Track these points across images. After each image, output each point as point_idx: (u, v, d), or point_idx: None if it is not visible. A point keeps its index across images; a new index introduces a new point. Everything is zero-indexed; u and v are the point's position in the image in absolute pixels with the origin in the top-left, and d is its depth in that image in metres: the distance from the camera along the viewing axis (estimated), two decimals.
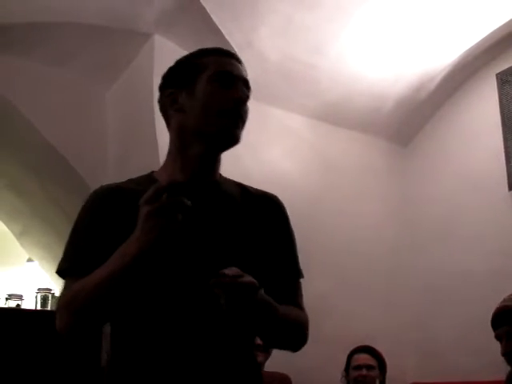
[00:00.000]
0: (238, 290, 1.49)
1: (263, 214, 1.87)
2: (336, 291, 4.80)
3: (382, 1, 4.29)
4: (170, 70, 1.90)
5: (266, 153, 4.83)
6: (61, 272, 1.70)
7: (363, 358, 4.17)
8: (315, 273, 4.74)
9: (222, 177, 1.96)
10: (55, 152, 4.47)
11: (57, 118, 4.43)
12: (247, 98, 1.81)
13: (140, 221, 1.48)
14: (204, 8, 4.13)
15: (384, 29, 4.53)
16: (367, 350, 4.21)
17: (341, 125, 5.29)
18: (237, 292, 1.49)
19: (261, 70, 4.66)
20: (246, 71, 1.87)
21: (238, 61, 1.85)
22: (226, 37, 4.35)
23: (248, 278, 1.52)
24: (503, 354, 2.77)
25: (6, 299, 5.78)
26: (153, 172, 1.87)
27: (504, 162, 4.70)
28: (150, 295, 1.62)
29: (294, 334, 1.83)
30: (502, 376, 2.87)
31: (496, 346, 2.89)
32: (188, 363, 1.60)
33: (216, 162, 1.94)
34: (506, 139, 4.73)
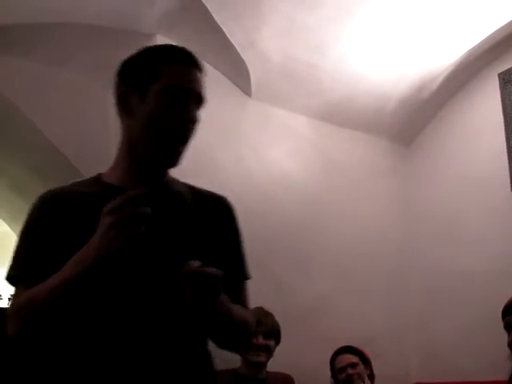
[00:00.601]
0: (206, 279, 1.49)
1: (212, 214, 1.84)
2: (338, 292, 4.80)
3: (384, 1, 4.29)
4: (125, 65, 1.83)
5: (269, 153, 4.83)
6: (10, 278, 1.67)
7: (345, 359, 4.16)
8: (317, 273, 4.76)
9: (171, 177, 1.87)
10: (57, 152, 4.47)
11: (58, 117, 4.43)
12: (197, 120, 1.74)
13: (101, 230, 1.44)
14: (206, 8, 4.13)
15: (386, 29, 4.53)
16: (346, 349, 4.21)
17: (343, 125, 5.29)
18: (204, 281, 1.48)
19: (263, 71, 4.66)
20: (203, 79, 1.80)
21: (199, 68, 1.78)
22: (228, 37, 4.35)
23: (213, 269, 1.51)
24: (509, 345, 2.77)
25: (9, 299, 5.80)
26: (100, 174, 1.84)
27: (507, 161, 4.70)
28: (104, 298, 1.59)
29: (240, 333, 1.80)
30: (504, 376, 2.87)
31: (498, 347, 2.90)
32: (143, 368, 1.59)
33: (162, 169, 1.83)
34: (508, 139, 4.73)
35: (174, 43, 4.46)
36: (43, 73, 4.42)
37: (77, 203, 1.68)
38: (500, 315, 2.94)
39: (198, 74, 1.77)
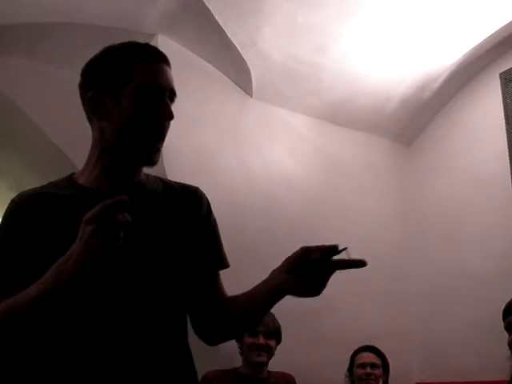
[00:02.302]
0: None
1: (185, 207, 1.80)
2: (339, 291, 4.77)
3: (385, 1, 4.29)
4: (92, 66, 1.79)
5: (270, 152, 4.83)
6: None
7: (367, 357, 4.17)
8: None
9: (145, 175, 1.82)
10: (59, 152, 4.47)
11: (61, 118, 4.43)
12: (172, 115, 1.70)
13: (82, 239, 1.41)
14: (207, 8, 4.12)
15: (388, 29, 4.53)
16: (371, 349, 4.22)
17: (344, 125, 5.29)
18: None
19: (264, 70, 4.66)
20: (170, 73, 1.76)
21: (168, 63, 1.76)
22: (229, 36, 4.35)
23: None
24: (510, 345, 2.77)
25: None
26: (73, 174, 1.80)
27: (508, 161, 4.70)
28: (84, 302, 1.58)
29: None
30: (506, 376, 2.87)
31: (499, 347, 2.90)
32: (122, 370, 1.57)
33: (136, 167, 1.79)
34: (509, 138, 4.73)
35: (175, 43, 4.49)
36: (44, 73, 4.42)
37: (51, 207, 1.65)
38: (501, 315, 2.94)
39: (168, 69, 1.74)
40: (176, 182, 1.87)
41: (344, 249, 1.55)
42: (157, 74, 1.70)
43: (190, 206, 1.81)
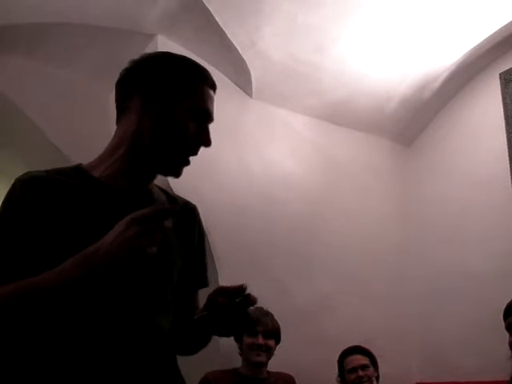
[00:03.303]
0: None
1: (185, 223, 1.85)
2: (339, 291, 4.80)
3: (385, 1, 4.29)
4: (150, 63, 1.79)
5: (270, 152, 4.83)
6: None
7: (356, 359, 4.16)
8: (318, 273, 4.77)
9: (152, 184, 1.84)
10: (59, 152, 4.47)
11: (60, 118, 4.43)
12: (211, 143, 1.86)
13: (122, 235, 1.40)
14: (207, 8, 4.12)
15: (388, 29, 4.53)
16: (356, 350, 4.20)
17: (344, 125, 5.29)
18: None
19: (264, 70, 4.66)
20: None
21: (215, 91, 1.86)
22: (229, 37, 4.35)
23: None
24: (511, 345, 2.78)
25: None
26: (81, 165, 1.78)
27: (508, 161, 4.70)
28: (84, 301, 1.55)
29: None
30: (506, 376, 2.88)
31: (499, 347, 2.90)
32: (116, 369, 1.57)
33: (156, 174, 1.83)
34: (509, 139, 4.73)
35: (175, 43, 4.49)
36: (44, 73, 4.42)
37: (61, 193, 1.63)
38: (501, 315, 2.95)
39: (214, 95, 1.85)
40: (176, 196, 1.93)
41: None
42: (210, 100, 1.82)
43: (188, 222, 1.87)
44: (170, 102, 1.72)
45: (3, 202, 1.66)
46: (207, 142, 1.81)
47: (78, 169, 1.75)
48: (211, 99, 1.82)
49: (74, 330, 1.58)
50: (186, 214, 1.87)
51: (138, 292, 1.63)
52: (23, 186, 1.67)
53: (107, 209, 1.64)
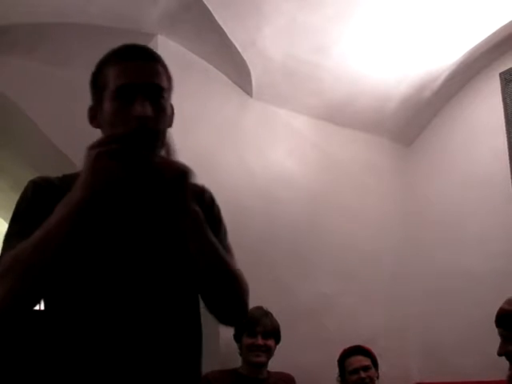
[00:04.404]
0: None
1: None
2: (339, 291, 4.80)
3: (385, 2, 4.29)
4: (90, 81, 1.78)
5: (270, 152, 4.83)
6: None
7: (358, 360, 4.14)
8: (318, 273, 4.77)
9: None
10: (59, 152, 4.47)
11: (60, 118, 4.43)
12: (149, 113, 1.62)
13: (87, 163, 1.46)
14: (207, 8, 4.12)
15: (388, 29, 4.53)
16: (359, 350, 4.19)
17: (344, 124, 5.29)
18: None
19: (264, 70, 4.66)
20: (156, 68, 1.72)
21: (147, 57, 1.73)
22: (229, 36, 4.34)
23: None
24: (498, 355, 2.80)
25: None
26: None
27: (508, 161, 4.70)
28: (92, 290, 1.60)
29: (231, 284, 1.72)
30: (505, 376, 2.87)
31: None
32: (132, 363, 1.58)
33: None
34: (509, 139, 4.73)
35: (175, 43, 4.49)
36: (44, 73, 4.42)
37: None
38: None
39: (149, 65, 1.71)
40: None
41: None
42: (130, 72, 1.67)
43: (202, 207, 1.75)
44: (99, 103, 1.72)
45: (17, 203, 1.71)
46: (139, 113, 1.60)
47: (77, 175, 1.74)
48: (131, 70, 1.67)
49: (78, 325, 1.60)
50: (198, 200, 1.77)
51: (135, 273, 1.64)
52: (34, 188, 1.72)
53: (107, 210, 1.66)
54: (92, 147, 1.47)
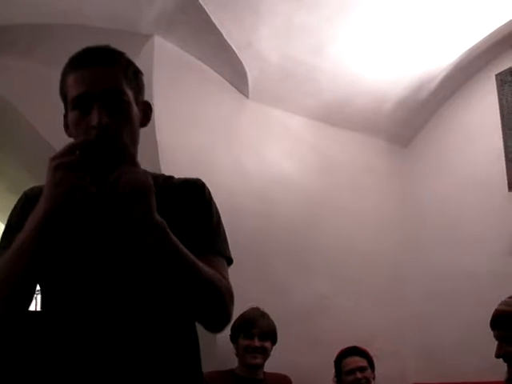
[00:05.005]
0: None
1: (183, 199, 1.77)
2: (336, 292, 4.80)
3: (382, 2, 4.29)
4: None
5: (266, 153, 4.83)
6: None
7: (354, 361, 4.14)
8: (315, 274, 4.77)
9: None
10: (55, 153, 4.47)
11: (58, 119, 4.41)
12: (107, 120, 1.59)
13: (48, 176, 1.47)
14: (204, 9, 4.12)
15: (384, 30, 4.53)
16: (355, 351, 4.19)
17: (341, 125, 5.29)
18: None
19: (260, 71, 4.66)
20: (118, 67, 1.70)
21: (102, 62, 1.68)
22: (226, 37, 4.35)
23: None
24: (496, 357, 2.80)
25: None
26: None
27: (504, 162, 4.70)
28: (73, 291, 1.62)
29: (206, 292, 1.63)
30: (502, 377, 2.88)
31: (495, 348, 2.90)
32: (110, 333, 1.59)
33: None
34: (505, 139, 4.73)
35: (171, 44, 4.49)
36: (42, 74, 4.40)
37: None
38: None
39: (105, 70, 1.67)
40: (180, 178, 1.88)
41: None
42: (85, 81, 1.64)
43: (187, 198, 1.77)
44: (66, 108, 1.71)
45: (9, 214, 1.79)
46: (92, 124, 1.58)
47: None
48: (84, 79, 1.64)
49: (68, 326, 1.62)
50: (186, 191, 1.79)
51: (118, 280, 1.64)
52: (23, 200, 1.77)
53: (90, 217, 1.69)
54: (53, 158, 1.47)
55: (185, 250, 1.58)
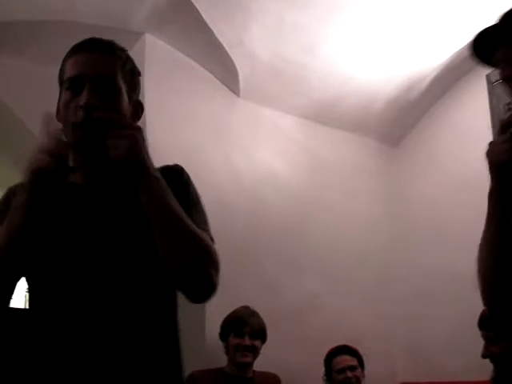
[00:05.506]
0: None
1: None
2: (325, 291, 4.81)
3: (373, 2, 4.30)
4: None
5: (257, 152, 4.83)
6: None
7: (344, 360, 4.16)
8: (304, 273, 4.77)
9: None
10: None
11: None
12: (88, 102, 1.63)
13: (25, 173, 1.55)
14: (195, 7, 4.12)
15: (375, 30, 4.54)
16: (345, 350, 4.20)
17: (331, 125, 5.30)
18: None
19: (251, 70, 4.66)
20: (117, 58, 1.75)
21: (101, 49, 1.73)
22: (217, 36, 4.35)
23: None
24: (482, 357, 2.82)
25: None
26: None
27: None
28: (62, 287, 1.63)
29: (194, 248, 1.60)
30: (489, 377, 2.90)
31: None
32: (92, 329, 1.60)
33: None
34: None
35: (162, 42, 4.48)
36: (33, 71, 4.40)
37: None
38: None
39: (99, 56, 1.71)
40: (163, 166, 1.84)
41: None
42: (80, 64, 1.69)
43: (167, 182, 1.69)
44: (61, 92, 1.75)
45: None
46: (81, 104, 1.61)
47: None
48: (80, 62, 1.70)
49: (54, 319, 1.63)
50: (165, 177, 1.71)
51: (98, 270, 1.64)
52: (8, 193, 1.79)
53: (73, 208, 1.71)
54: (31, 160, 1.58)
55: (177, 204, 1.60)
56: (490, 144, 1.61)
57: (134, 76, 1.81)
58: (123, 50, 1.81)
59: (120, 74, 1.72)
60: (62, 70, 1.75)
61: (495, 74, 4.71)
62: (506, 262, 1.61)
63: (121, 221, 1.69)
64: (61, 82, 1.74)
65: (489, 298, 1.69)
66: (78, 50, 1.73)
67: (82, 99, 1.62)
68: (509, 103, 1.63)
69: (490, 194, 1.66)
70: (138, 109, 1.83)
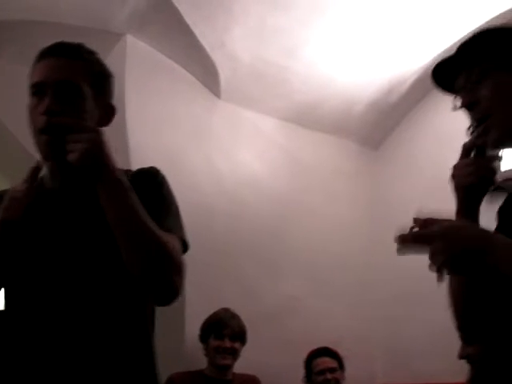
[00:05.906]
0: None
1: (134, 188, 1.66)
2: (305, 293, 4.81)
3: (354, 5, 4.31)
4: None
5: (238, 154, 4.83)
6: None
7: (325, 362, 4.18)
8: (284, 275, 4.77)
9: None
10: (28, 154, 4.42)
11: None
12: (48, 109, 1.64)
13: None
14: (176, 8, 4.12)
15: (356, 33, 4.55)
16: (326, 352, 4.22)
17: (312, 127, 5.30)
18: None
19: (232, 72, 4.67)
20: (83, 62, 1.75)
21: (66, 54, 1.74)
22: (198, 37, 4.34)
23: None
24: (459, 358, 2.84)
25: None
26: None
27: None
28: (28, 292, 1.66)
29: (154, 253, 1.58)
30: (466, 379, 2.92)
31: None
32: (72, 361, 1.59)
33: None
34: None
35: (143, 43, 4.47)
36: (12, 71, 4.36)
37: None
38: None
39: (62, 62, 1.72)
40: (138, 170, 1.86)
41: None
42: (43, 70, 1.71)
43: (142, 187, 1.71)
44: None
45: None
46: (43, 111, 1.63)
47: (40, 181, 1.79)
48: (44, 68, 1.71)
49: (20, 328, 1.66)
50: (140, 180, 1.75)
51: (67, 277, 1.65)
52: None
53: (43, 213, 1.73)
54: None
55: (140, 207, 1.59)
56: (454, 167, 1.64)
57: (103, 79, 1.80)
58: (92, 53, 1.80)
59: (83, 78, 1.72)
60: (30, 75, 1.74)
61: None
62: (473, 285, 1.64)
63: (91, 224, 1.68)
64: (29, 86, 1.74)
65: (459, 325, 1.72)
66: (44, 55, 1.74)
67: (42, 106, 1.64)
68: (469, 127, 1.68)
69: (455, 216, 1.69)
70: (109, 112, 1.82)
